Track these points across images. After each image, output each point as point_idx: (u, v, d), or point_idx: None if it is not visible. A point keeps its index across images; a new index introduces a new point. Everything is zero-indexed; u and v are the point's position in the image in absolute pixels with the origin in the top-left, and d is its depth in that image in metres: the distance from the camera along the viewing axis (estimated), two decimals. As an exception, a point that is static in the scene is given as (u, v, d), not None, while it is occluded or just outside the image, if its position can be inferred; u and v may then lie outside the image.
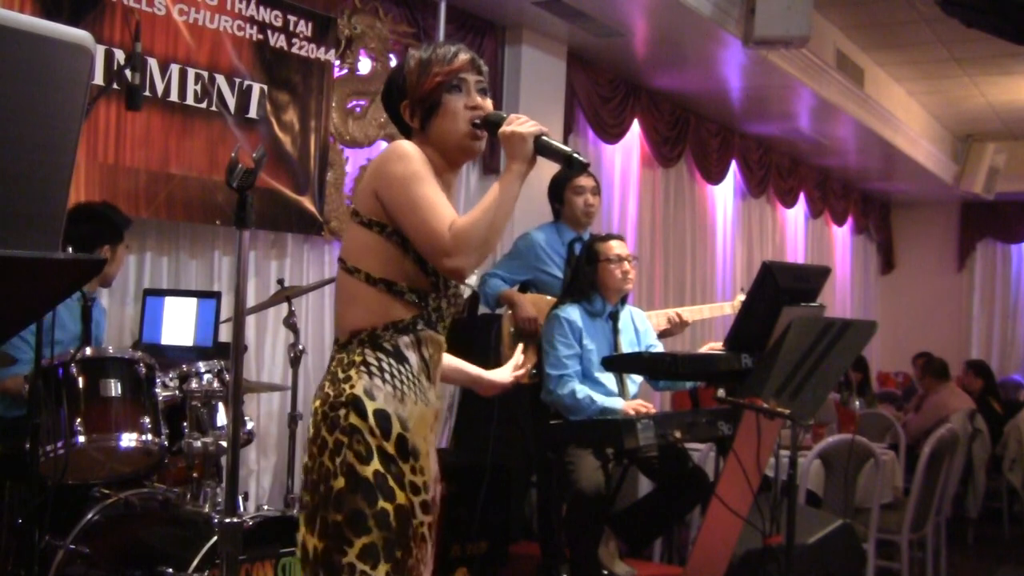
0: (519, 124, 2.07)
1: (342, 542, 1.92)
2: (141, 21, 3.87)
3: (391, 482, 1.95)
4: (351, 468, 1.94)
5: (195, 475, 3.38)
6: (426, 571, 2.08)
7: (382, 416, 1.97)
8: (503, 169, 2.09)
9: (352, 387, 1.98)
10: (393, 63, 4.58)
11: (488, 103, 2.14)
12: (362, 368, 1.99)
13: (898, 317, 11.78)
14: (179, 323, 3.95)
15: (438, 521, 2.17)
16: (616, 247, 4.05)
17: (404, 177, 2.00)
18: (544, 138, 2.08)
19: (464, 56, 2.13)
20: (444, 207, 1.99)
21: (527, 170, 2.07)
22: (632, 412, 3.74)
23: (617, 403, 3.86)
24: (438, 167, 2.11)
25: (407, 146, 2.05)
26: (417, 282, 2.04)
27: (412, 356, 2.04)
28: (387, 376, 2.00)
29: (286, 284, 4.14)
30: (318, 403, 2.02)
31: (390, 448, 1.97)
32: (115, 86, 3.66)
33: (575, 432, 3.75)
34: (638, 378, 4.05)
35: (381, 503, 1.93)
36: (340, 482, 1.94)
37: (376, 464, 1.94)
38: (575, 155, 2.09)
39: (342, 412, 1.97)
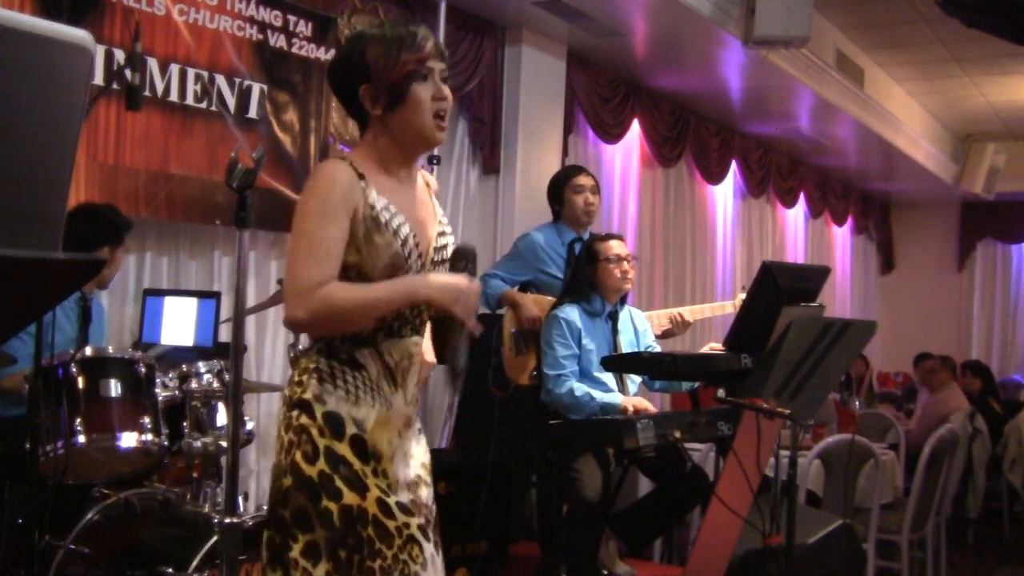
0: (467, 300, 2.03)
1: (288, 537, 1.94)
2: (141, 21, 3.87)
3: (338, 483, 1.94)
4: (297, 466, 1.95)
5: (195, 475, 3.38)
6: (425, 572, 2.02)
7: (333, 418, 1.98)
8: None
9: (304, 392, 2.00)
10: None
11: (448, 91, 2.09)
12: (314, 374, 2.01)
13: (898, 317, 11.78)
14: (179, 323, 3.94)
15: (437, 521, 2.16)
16: (616, 247, 4.05)
17: (306, 209, 1.97)
18: (454, 346, 2.08)
19: (431, 43, 2.05)
20: (327, 257, 1.94)
21: (422, 303, 2.05)
22: (631, 407, 3.74)
23: (616, 398, 3.86)
24: (394, 160, 2.08)
25: (323, 178, 2.00)
26: None
27: (370, 364, 2.03)
28: (339, 382, 2.00)
29: (286, 284, 4.13)
30: (280, 405, 2.07)
31: (342, 449, 1.97)
32: (115, 86, 3.66)
33: (575, 432, 3.75)
34: (638, 378, 4.05)
35: (325, 502, 1.93)
36: (288, 480, 1.96)
37: (322, 464, 1.95)
38: (458, 374, 2.10)
39: (294, 413, 1.99)
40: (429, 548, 2.04)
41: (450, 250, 2.18)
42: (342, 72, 2.10)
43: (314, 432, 1.96)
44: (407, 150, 2.10)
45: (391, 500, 1.99)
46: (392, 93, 2.03)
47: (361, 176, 2.02)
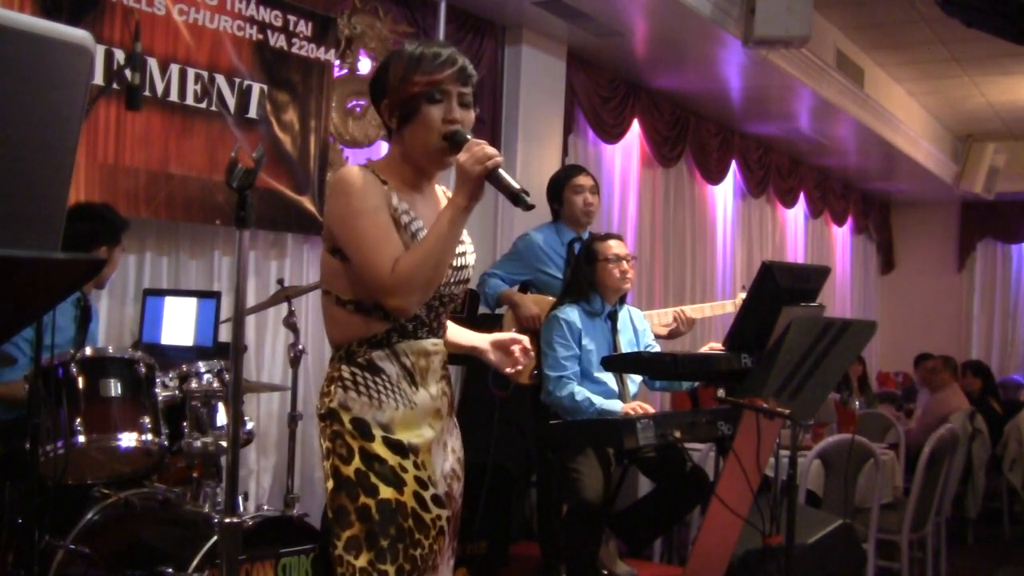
0: (470, 155, 2.01)
1: (334, 536, 2.05)
2: (141, 21, 3.87)
3: (374, 479, 2.03)
4: (336, 469, 2.06)
5: (195, 475, 3.38)
6: (443, 565, 2.15)
7: (359, 423, 2.06)
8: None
9: (331, 402, 2.09)
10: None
11: (470, 115, 2.12)
12: (338, 383, 2.09)
13: (898, 317, 11.78)
14: (179, 323, 3.95)
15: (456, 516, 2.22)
16: (615, 247, 4.05)
17: (345, 214, 2.04)
18: (499, 171, 2.01)
19: (450, 68, 2.08)
20: (386, 244, 2.01)
21: (471, 206, 2.04)
22: (631, 414, 3.74)
23: (616, 405, 3.86)
24: (410, 176, 2.14)
25: (349, 179, 2.06)
26: None
27: (388, 367, 2.09)
28: (361, 388, 2.08)
29: (286, 284, 4.13)
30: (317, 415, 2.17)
31: (374, 447, 2.05)
32: (115, 86, 3.66)
33: (575, 432, 3.75)
34: (638, 378, 4.05)
35: (362, 499, 2.02)
36: (330, 483, 2.07)
37: (357, 463, 2.04)
38: (523, 193, 2.00)
39: (327, 422, 2.10)
40: (447, 539, 2.15)
41: (468, 259, 2.22)
42: (371, 86, 2.20)
43: (346, 435, 2.06)
44: (420, 165, 2.16)
45: (427, 494, 2.08)
46: (402, 109, 2.10)
47: (384, 182, 2.09)
